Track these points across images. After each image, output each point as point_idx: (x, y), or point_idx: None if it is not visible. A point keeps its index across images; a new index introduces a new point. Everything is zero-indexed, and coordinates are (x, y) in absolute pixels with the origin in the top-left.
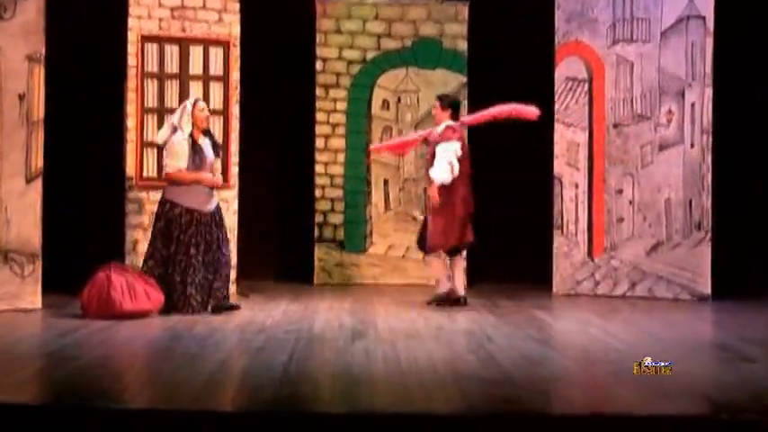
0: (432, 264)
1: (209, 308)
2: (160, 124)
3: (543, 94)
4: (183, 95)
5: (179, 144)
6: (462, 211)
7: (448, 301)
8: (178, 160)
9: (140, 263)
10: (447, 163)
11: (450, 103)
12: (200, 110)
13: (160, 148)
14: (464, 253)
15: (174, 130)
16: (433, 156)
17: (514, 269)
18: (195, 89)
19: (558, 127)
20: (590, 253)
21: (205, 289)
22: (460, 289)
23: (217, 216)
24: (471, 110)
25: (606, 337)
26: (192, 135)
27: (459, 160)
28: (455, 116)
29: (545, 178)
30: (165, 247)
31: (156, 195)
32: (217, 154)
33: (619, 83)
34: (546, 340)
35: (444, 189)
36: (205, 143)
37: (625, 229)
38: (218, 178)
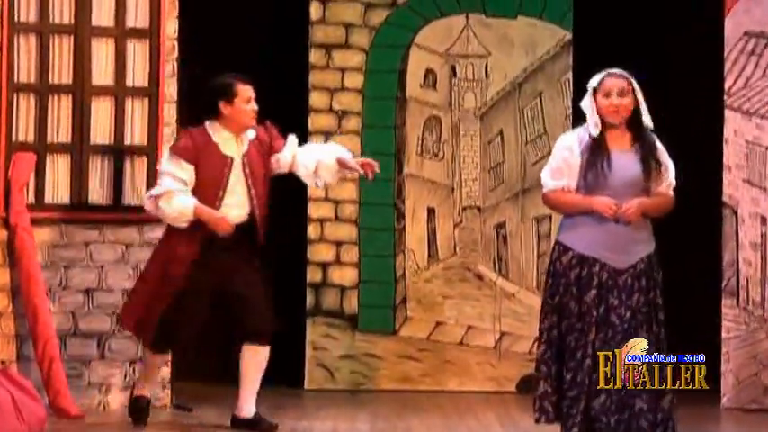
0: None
1: None
2: (41, 110)
3: (704, 61)
4: (81, 62)
5: (557, 148)
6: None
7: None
8: (558, 175)
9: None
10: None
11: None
12: (606, 94)
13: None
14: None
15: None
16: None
17: None
18: (101, 51)
19: (730, 117)
20: None
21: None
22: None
23: (643, 278)
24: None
25: None
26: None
27: None
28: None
29: (707, 205)
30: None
31: (43, 234)
32: (648, 168)
33: None
34: None
35: None
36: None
37: None
38: (623, 206)
